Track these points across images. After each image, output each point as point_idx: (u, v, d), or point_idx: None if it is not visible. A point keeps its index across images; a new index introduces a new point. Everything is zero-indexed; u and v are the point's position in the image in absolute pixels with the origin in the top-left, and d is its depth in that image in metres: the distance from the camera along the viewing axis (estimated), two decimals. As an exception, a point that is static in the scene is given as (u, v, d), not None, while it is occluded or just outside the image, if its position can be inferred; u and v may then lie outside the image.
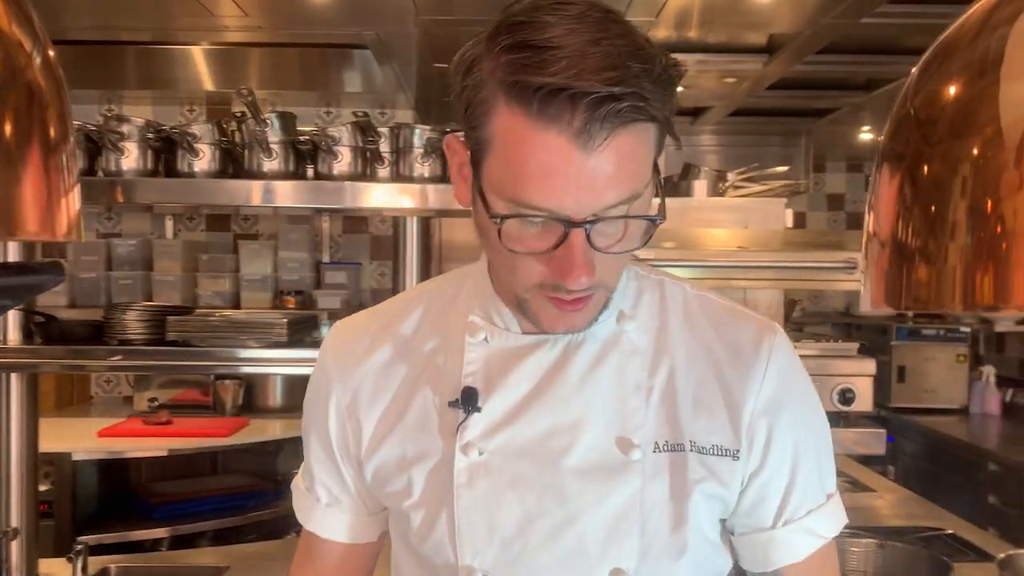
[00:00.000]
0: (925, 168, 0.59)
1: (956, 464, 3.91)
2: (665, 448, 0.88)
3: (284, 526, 3.54)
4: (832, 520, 0.95)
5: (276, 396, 3.83)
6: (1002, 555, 1.71)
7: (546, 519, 0.87)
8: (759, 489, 0.92)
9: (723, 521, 0.94)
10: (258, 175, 1.82)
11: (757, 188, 2.26)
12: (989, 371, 4.60)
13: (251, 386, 3.80)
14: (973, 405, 4.62)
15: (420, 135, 1.83)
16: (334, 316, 3.76)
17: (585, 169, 0.75)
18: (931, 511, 2.53)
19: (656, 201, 0.82)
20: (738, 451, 0.90)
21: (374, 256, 4.21)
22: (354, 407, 0.95)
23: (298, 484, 1.04)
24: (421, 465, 0.92)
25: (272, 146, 1.79)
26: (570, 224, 0.77)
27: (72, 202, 0.74)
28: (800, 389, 0.94)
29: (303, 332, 1.98)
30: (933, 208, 0.57)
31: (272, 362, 1.86)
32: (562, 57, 0.73)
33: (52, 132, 0.71)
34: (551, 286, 0.81)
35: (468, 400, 0.89)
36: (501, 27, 0.78)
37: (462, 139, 0.84)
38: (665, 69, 0.76)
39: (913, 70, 0.65)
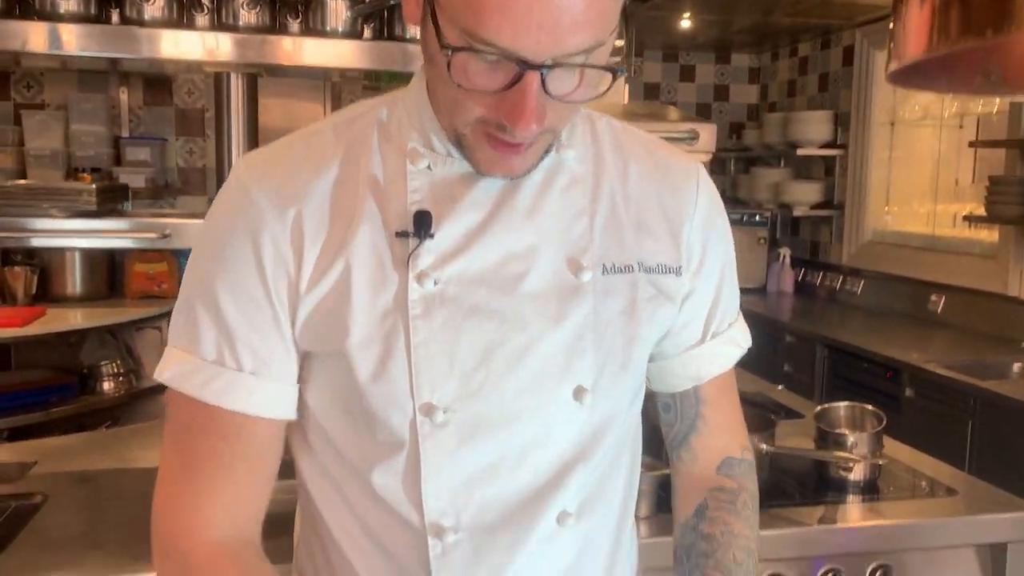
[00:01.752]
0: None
1: (755, 337, 4.23)
2: (614, 270, 0.89)
3: (92, 422, 3.31)
4: (745, 332, 1.04)
5: (75, 283, 3.49)
6: (818, 408, 1.85)
7: (508, 346, 0.85)
8: (693, 306, 0.97)
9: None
10: (52, 16, 1.57)
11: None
12: (785, 252, 4.98)
13: (45, 273, 3.45)
14: (770, 284, 5.00)
15: (246, -21, 1.64)
16: (139, 195, 3.50)
17: (551, 7, 0.68)
18: (738, 376, 2.71)
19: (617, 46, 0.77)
20: (680, 267, 0.94)
21: (180, 131, 3.87)
22: (296, 237, 0.83)
23: (196, 364, 0.85)
24: (369, 298, 0.83)
25: (69, -18, 1.55)
26: (526, 66, 0.71)
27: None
28: (723, 212, 0.99)
29: (114, 201, 1.78)
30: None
31: (80, 233, 1.66)
32: None
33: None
34: (495, 124, 0.76)
35: (420, 225, 0.83)
36: None
37: None
38: None
39: None
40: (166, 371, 0.86)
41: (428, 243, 0.83)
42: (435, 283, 0.83)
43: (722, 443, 1.02)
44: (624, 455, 0.96)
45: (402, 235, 0.83)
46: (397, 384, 0.83)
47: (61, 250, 3.22)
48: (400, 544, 0.87)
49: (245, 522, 0.88)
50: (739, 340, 1.02)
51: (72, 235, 1.70)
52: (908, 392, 3.22)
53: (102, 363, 3.28)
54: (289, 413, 0.88)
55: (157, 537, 0.88)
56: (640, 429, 1.00)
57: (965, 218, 3.73)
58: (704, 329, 0.99)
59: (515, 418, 0.86)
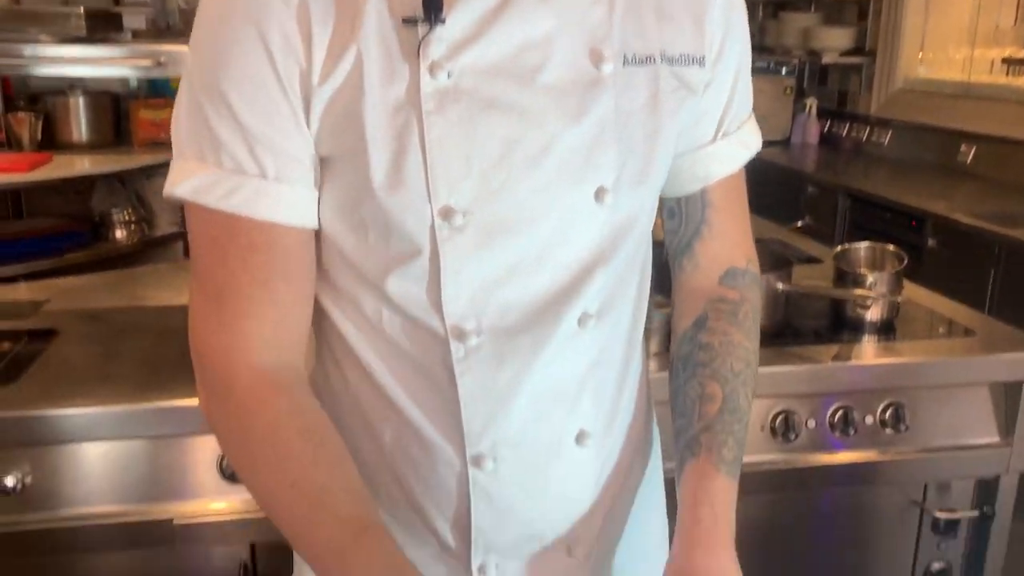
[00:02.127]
0: None
1: (775, 188, 4.14)
2: (635, 61, 0.83)
3: (105, 270, 3.32)
4: (756, 133, 0.99)
5: (80, 130, 3.41)
6: (838, 248, 1.81)
7: (526, 143, 0.79)
8: (708, 101, 0.91)
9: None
10: None
11: None
12: (812, 102, 4.81)
13: (50, 120, 3.37)
14: (795, 135, 4.86)
15: None
16: (139, 36, 3.38)
17: None
18: (756, 224, 2.65)
19: None
20: (703, 57, 0.88)
21: (181, -29, 3.70)
22: (304, 23, 0.75)
23: (215, 174, 0.77)
24: (380, 93, 0.77)
25: None
26: None
27: None
28: (742, 4, 0.92)
29: (106, 29, 1.70)
30: None
31: (73, 61, 1.59)
32: None
33: None
34: None
35: (430, 7, 0.75)
36: None
37: None
38: None
39: None
40: (180, 184, 0.78)
41: (439, 30, 0.76)
42: (448, 75, 0.77)
43: (726, 251, 0.98)
44: (638, 258, 0.93)
45: (410, 21, 0.76)
46: (413, 186, 0.78)
47: (60, 85, 3.11)
48: (421, 348, 0.85)
49: (290, 346, 0.83)
50: (749, 142, 0.97)
51: (65, 63, 1.64)
52: (931, 242, 3.16)
53: (113, 211, 3.26)
54: (315, 221, 0.82)
55: (199, 364, 0.83)
56: (651, 236, 0.96)
57: (1004, 61, 3.56)
58: (717, 127, 0.93)
59: (534, 219, 0.82)
